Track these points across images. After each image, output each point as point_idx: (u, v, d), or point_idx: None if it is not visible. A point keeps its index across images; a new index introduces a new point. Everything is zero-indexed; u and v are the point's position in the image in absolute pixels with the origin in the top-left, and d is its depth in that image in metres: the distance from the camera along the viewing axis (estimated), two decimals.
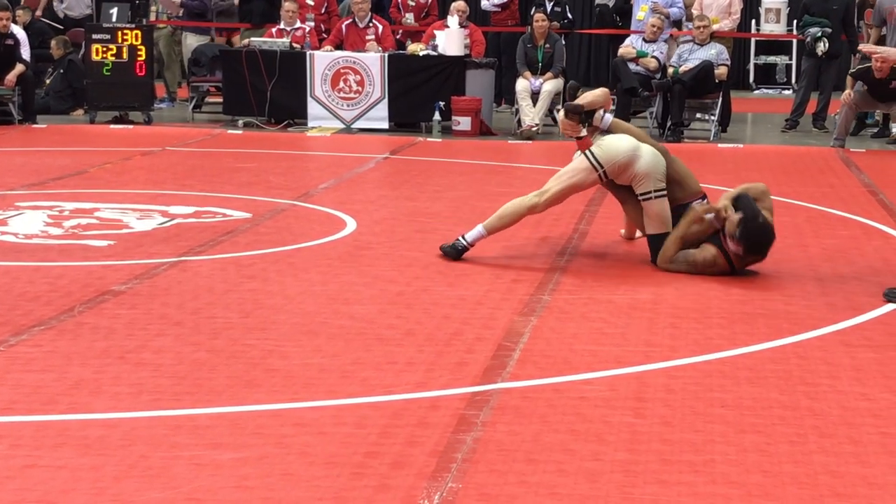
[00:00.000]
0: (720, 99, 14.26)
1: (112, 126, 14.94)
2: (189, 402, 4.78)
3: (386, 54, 14.86)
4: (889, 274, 7.24)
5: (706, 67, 13.98)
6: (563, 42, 15.25)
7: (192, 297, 6.45)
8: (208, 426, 4.52)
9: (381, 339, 5.72)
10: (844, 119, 13.65)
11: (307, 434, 4.43)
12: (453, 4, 15.37)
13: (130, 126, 14.90)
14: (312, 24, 15.78)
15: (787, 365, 5.42)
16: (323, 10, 16.24)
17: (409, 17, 16.47)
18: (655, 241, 7.34)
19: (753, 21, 20.86)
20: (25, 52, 15.18)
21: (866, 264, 7.54)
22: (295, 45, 15.16)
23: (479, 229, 7.49)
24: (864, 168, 11.94)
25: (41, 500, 3.83)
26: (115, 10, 15.19)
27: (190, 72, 16.37)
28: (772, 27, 20.74)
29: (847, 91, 13.52)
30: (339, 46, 15.25)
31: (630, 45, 14.69)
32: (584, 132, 7.36)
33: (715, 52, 14.19)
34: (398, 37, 16.10)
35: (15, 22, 15.87)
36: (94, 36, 14.99)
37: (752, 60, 21.56)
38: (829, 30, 14.89)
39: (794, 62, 20.68)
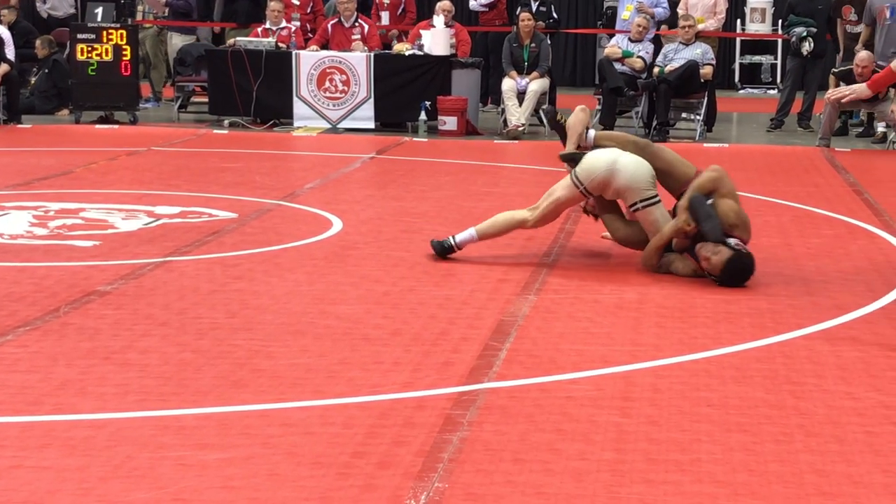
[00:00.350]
0: (705, 98, 14.29)
1: (97, 126, 14.90)
2: (175, 403, 4.77)
3: (372, 54, 14.84)
4: (874, 272, 7.27)
5: (691, 67, 14.00)
6: (549, 41, 15.27)
7: (177, 298, 6.44)
8: (194, 426, 4.51)
9: (368, 339, 5.71)
10: (829, 119, 13.69)
11: (294, 434, 4.43)
12: (439, 4, 15.37)
13: (116, 126, 14.86)
14: (298, 23, 15.74)
15: (772, 364, 5.43)
16: (308, 10, 16.22)
17: (384, 17, 16.51)
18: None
19: (739, 21, 20.91)
20: (10, 52, 15.14)
21: (851, 264, 7.56)
22: (280, 44, 15.13)
23: (470, 232, 7.52)
24: (848, 167, 11.97)
25: (27, 500, 3.82)
26: (100, 10, 15.14)
27: (175, 71, 16.32)
28: (757, 27, 20.80)
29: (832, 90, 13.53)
30: (324, 46, 15.23)
31: (616, 45, 14.71)
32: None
33: (700, 52, 14.22)
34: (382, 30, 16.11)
35: None
36: (79, 36, 14.93)
37: (738, 60, 21.60)
38: (814, 29, 14.96)
39: (779, 62, 20.73)
